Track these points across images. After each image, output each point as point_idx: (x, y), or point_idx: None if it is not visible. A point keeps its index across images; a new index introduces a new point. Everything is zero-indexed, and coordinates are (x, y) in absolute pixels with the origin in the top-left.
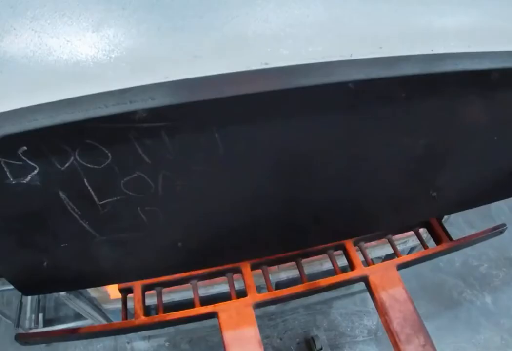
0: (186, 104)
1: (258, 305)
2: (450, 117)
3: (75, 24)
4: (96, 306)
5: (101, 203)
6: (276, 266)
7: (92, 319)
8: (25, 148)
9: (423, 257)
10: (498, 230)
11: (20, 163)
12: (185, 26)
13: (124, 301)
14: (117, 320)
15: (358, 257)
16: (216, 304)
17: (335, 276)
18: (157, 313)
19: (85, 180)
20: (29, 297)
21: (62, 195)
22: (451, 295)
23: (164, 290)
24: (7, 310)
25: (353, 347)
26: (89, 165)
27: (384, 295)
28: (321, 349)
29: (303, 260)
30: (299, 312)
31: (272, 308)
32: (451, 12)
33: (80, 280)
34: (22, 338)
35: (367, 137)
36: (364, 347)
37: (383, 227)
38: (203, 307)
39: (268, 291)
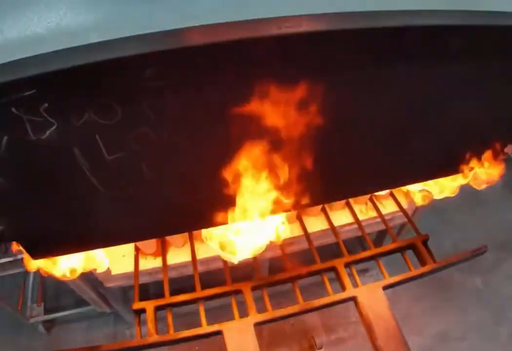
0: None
1: (258, 324)
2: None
3: None
4: (98, 291)
5: (110, 158)
6: None
7: (94, 304)
8: (46, 105)
9: (407, 279)
10: (479, 251)
11: (41, 119)
12: None
13: (138, 321)
14: (116, 303)
15: (348, 279)
16: (221, 323)
17: (328, 297)
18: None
19: (97, 136)
20: (30, 286)
21: (75, 150)
22: (441, 278)
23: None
24: (8, 300)
25: (347, 328)
26: (101, 121)
27: (370, 314)
28: (321, 348)
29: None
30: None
31: None
32: None
33: (86, 241)
34: None
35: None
36: (358, 328)
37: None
38: (210, 326)
39: (267, 311)
